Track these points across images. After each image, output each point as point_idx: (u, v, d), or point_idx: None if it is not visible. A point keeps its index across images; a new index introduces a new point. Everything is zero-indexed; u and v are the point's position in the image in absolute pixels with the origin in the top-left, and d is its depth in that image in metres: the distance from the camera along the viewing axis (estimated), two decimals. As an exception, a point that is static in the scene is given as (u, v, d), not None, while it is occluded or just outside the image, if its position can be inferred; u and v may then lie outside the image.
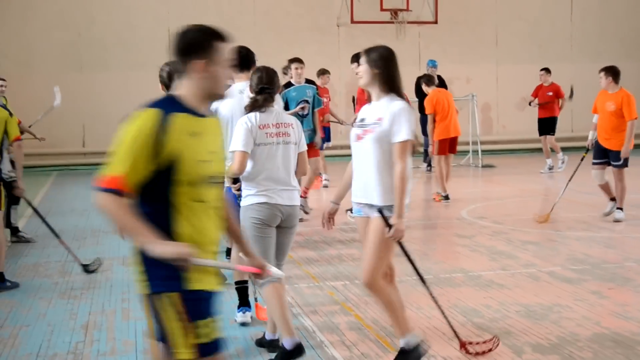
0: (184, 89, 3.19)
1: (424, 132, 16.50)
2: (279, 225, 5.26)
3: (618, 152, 9.92)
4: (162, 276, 3.10)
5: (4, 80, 10.95)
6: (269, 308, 5.19)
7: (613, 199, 10.18)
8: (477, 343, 5.25)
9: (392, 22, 19.94)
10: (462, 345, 5.21)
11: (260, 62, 6.30)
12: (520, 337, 5.61)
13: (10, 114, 7.81)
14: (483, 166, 17.26)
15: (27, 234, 9.71)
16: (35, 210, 8.63)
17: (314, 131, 10.76)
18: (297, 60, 10.95)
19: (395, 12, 19.85)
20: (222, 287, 3.52)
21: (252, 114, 5.25)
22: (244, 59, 6.16)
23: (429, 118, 12.55)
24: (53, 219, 8.71)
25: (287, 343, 5.07)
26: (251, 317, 6.05)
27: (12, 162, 10.03)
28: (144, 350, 5.51)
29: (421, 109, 15.65)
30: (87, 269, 7.90)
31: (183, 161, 3.08)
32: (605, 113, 10.04)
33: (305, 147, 5.51)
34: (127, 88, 17.59)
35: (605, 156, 10.06)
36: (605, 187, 10.20)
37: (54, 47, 18.56)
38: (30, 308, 6.72)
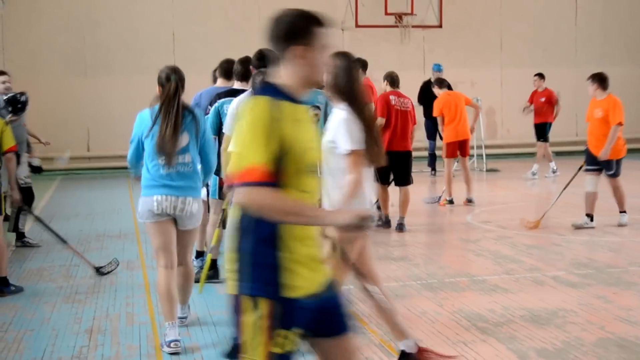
0: (281, 75, 3.06)
1: (429, 137, 16.54)
2: None
3: (609, 161, 9.74)
4: (259, 279, 2.95)
5: (7, 74, 10.37)
6: None
7: (589, 215, 9.93)
8: (437, 355, 4.92)
9: (397, 26, 19.93)
10: (420, 350, 4.88)
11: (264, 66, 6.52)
12: (524, 341, 5.60)
13: (6, 123, 7.60)
14: (487, 170, 17.26)
15: (33, 239, 9.69)
16: (38, 219, 8.59)
17: None
18: None
19: (399, 16, 19.84)
20: (330, 278, 3.18)
21: None
22: (247, 70, 7.00)
23: (438, 120, 12.54)
24: (57, 224, 8.71)
25: None
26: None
27: (34, 167, 10.03)
28: (148, 355, 5.52)
29: (426, 113, 15.66)
30: (100, 271, 7.86)
31: (293, 149, 2.94)
32: (594, 120, 9.88)
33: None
34: (132, 92, 17.58)
35: (598, 163, 9.84)
36: (591, 198, 9.90)
37: (58, 51, 18.59)
38: (35, 312, 6.73)
